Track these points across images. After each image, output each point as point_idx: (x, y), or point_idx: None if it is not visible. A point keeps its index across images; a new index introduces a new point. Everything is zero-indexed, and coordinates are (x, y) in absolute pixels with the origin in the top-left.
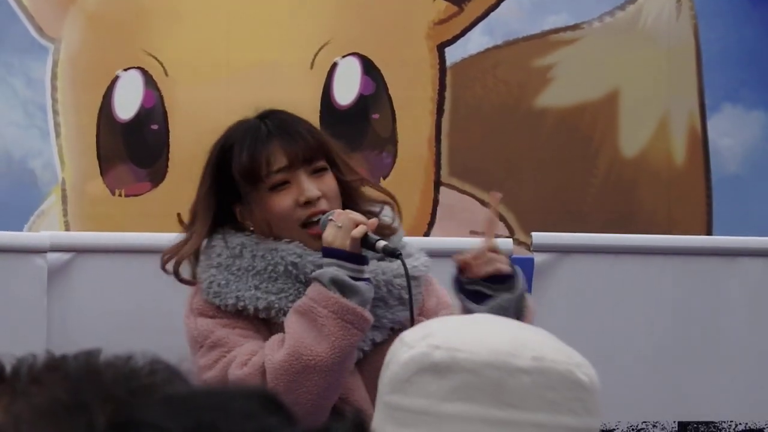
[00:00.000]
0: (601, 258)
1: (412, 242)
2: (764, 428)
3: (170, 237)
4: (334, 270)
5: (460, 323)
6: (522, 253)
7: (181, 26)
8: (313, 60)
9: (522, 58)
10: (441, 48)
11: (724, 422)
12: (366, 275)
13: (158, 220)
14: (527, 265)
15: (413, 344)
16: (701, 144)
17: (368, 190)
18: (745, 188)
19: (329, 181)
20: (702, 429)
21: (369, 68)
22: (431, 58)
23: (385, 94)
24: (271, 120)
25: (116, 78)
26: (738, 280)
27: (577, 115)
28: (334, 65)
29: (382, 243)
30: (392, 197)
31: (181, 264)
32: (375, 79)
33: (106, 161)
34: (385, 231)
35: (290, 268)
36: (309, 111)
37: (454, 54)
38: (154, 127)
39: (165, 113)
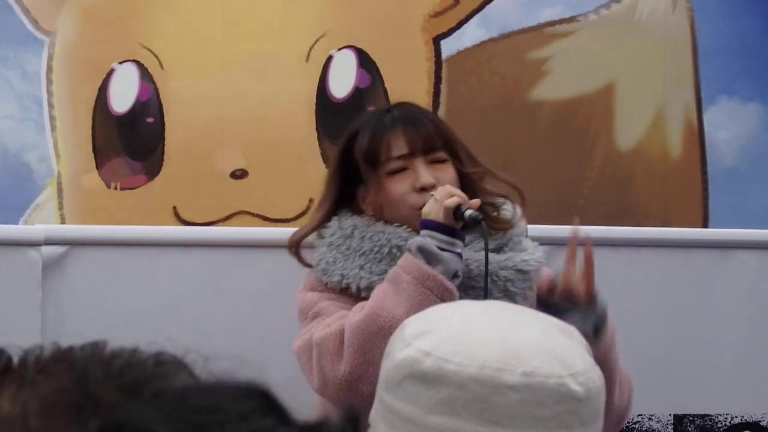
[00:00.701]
0: (596, 250)
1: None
2: (760, 421)
3: (165, 230)
4: (422, 239)
5: (458, 320)
6: None
7: (177, 19)
8: (309, 53)
9: (518, 50)
10: (436, 41)
11: (720, 415)
12: (458, 249)
13: (154, 213)
14: None
15: (409, 341)
16: (697, 137)
17: (494, 185)
18: (741, 181)
19: (447, 171)
20: (698, 422)
21: (364, 61)
22: (427, 51)
23: (381, 86)
24: (397, 110)
25: (111, 71)
26: (734, 273)
27: (573, 108)
28: (330, 58)
29: (469, 212)
30: (517, 189)
31: (301, 244)
32: (370, 72)
33: (101, 154)
34: (501, 226)
35: (395, 250)
36: (304, 104)
37: (449, 47)
38: (150, 120)
39: (160, 106)
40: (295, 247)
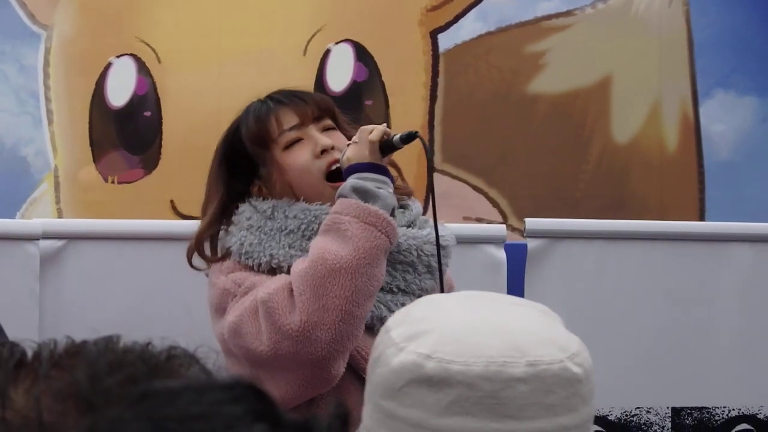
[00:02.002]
0: (593, 244)
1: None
2: (757, 414)
3: (163, 223)
4: (354, 180)
5: (447, 318)
6: (515, 239)
7: (174, 13)
8: (306, 46)
9: (515, 44)
10: (434, 34)
11: (717, 408)
12: (390, 189)
13: (151, 206)
14: (520, 250)
15: (401, 344)
16: (693, 130)
17: None
18: (737, 174)
19: (340, 138)
20: (695, 414)
21: (362, 55)
22: (424, 45)
23: (378, 80)
24: (276, 94)
25: (109, 65)
26: (730, 266)
27: (570, 102)
28: (327, 52)
29: (396, 135)
30: (391, 162)
31: (200, 248)
32: (368, 66)
33: (98, 148)
34: (405, 194)
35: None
36: None
37: (447, 40)
38: (147, 113)
39: (158, 100)
40: (199, 247)
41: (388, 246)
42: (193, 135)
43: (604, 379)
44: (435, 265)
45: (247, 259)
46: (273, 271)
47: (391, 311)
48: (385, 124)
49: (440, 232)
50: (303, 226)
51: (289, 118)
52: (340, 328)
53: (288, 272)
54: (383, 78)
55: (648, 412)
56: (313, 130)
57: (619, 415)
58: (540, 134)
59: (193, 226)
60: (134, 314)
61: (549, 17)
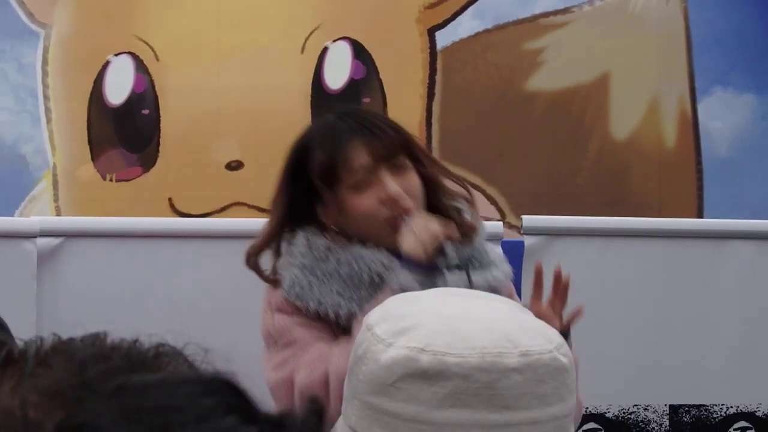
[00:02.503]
0: (591, 241)
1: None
2: (755, 411)
3: (161, 221)
4: (404, 278)
5: (434, 313)
6: (513, 236)
7: (172, 11)
8: (304, 44)
9: (512, 41)
10: (431, 32)
11: (715, 405)
12: (439, 284)
13: (150, 204)
14: (517, 248)
15: (389, 340)
16: (692, 127)
17: (449, 183)
18: (736, 171)
19: (412, 178)
20: (693, 412)
21: (359, 52)
22: (422, 42)
23: (376, 78)
24: (350, 117)
25: (107, 63)
26: (728, 263)
27: (568, 99)
28: (325, 49)
29: (453, 261)
30: (467, 189)
31: (256, 260)
32: (365, 63)
33: (97, 146)
34: (469, 233)
35: (376, 278)
36: (300, 95)
37: (444, 38)
38: (145, 111)
39: (156, 98)
40: (253, 260)
41: None
42: (191, 133)
43: (602, 377)
44: None
45: (297, 299)
46: (319, 317)
47: None
48: (451, 231)
49: (492, 272)
50: (354, 275)
51: (361, 157)
52: None
53: (335, 320)
54: (381, 75)
55: (646, 409)
56: (384, 173)
57: (616, 413)
58: (538, 131)
59: (189, 223)
60: (131, 311)
61: (546, 14)
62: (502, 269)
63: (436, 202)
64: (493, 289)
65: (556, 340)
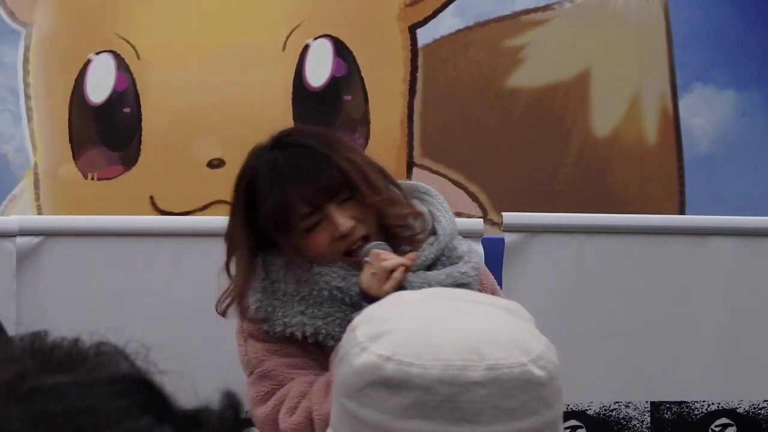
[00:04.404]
0: (571, 238)
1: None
2: (736, 408)
3: (141, 219)
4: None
5: (409, 318)
6: (493, 233)
7: (153, 9)
8: (285, 42)
9: (493, 38)
10: (412, 29)
11: (696, 402)
12: None
13: (131, 202)
14: (498, 245)
15: (364, 344)
16: (673, 124)
17: (398, 197)
18: (717, 167)
19: (358, 207)
20: (674, 409)
21: (341, 50)
22: (403, 40)
23: (357, 75)
24: (283, 153)
25: (88, 61)
26: (710, 260)
27: (549, 96)
28: (306, 47)
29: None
30: (417, 214)
31: (244, 308)
32: (347, 61)
33: (78, 145)
34: (414, 243)
35: (335, 292)
36: (281, 93)
37: (425, 35)
38: (127, 110)
39: (137, 96)
40: (224, 313)
41: None
42: (173, 131)
43: (583, 374)
44: None
45: (264, 324)
46: (287, 338)
47: None
48: (403, 269)
49: (461, 268)
50: (315, 293)
51: (304, 205)
52: None
53: (302, 339)
54: (362, 73)
55: (627, 406)
56: (332, 210)
57: (598, 410)
58: (519, 128)
59: (172, 222)
60: (112, 310)
61: (527, 12)
62: (472, 263)
63: (387, 223)
64: (461, 285)
65: (535, 352)
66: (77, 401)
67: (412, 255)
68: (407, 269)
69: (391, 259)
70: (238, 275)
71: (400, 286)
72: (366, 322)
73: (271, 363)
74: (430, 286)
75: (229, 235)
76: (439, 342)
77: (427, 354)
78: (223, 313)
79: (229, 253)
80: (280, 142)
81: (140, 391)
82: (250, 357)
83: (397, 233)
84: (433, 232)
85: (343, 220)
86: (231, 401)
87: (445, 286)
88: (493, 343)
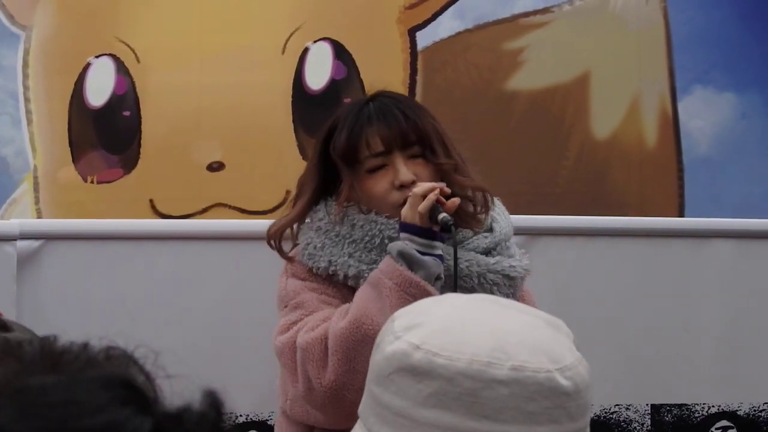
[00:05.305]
0: (572, 241)
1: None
2: (736, 410)
3: (141, 223)
4: (402, 243)
5: (447, 313)
6: None
7: (153, 12)
8: (285, 45)
9: (493, 41)
10: (412, 32)
11: (697, 405)
12: (437, 251)
13: (131, 206)
14: None
15: (399, 333)
16: (672, 126)
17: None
18: (717, 170)
19: (426, 166)
20: (675, 411)
21: (340, 53)
22: (402, 42)
23: (357, 78)
24: (374, 103)
25: (88, 65)
26: (709, 262)
27: (548, 98)
28: (306, 50)
29: (441, 215)
30: (482, 188)
31: (279, 238)
32: (346, 64)
33: (78, 148)
34: (473, 222)
35: (386, 241)
36: (281, 96)
37: (424, 38)
38: (126, 113)
39: (137, 99)
40: (275, 238)
41: None
42: (173, 134)
43: None
44: (498, 294)
45: (309, 259)
46: (330, 276)
47: None
48: (437, 191)
49: (512, 262)
50: (367, 238)
51: (376, 143)
52: None
53: (343, 280)
54: (362, 76)
55: (627, 409)
56: (398, 159)
57: (598, 413)
58: (519, 131)
59: (170, 224)
60: (112, 314)
61: (526, 14)
62: (522, 263)
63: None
64: (507, 277)
65: (563, 362)
66: (61, 395)
67: (454, 200)
68: (441, 192)
69: (423, 186)
70: (298, 207)
71: (435, 219)
72: (406, 313)
73: (307, 296)
74: (479, 266)
75: (302, 180)
76: (469, 337)
77: (454, 346)
78: (273, 240)
79: (297, 197)
80: (374, 96)
81: (122, 388)
82: (287, 291)
83: (460, 205)
84: (490, 230)
85: (406, 170)
86: (213, 401)
87: (492, 271)
88: (523, 345)
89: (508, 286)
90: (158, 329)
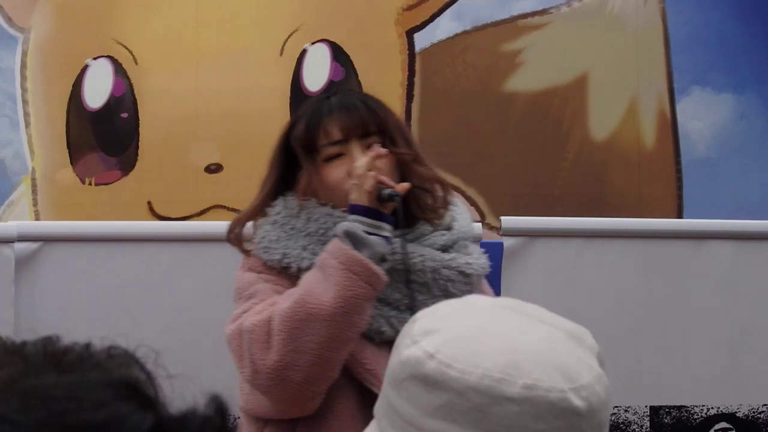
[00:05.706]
0: (570, 242)
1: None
2: (736, 412)
3: (139, 225)
4: (348, 223)
5: (465, 321)
6: (492, 237)
7: (151, 15)
8: (283, 47)
9: (491, 43)
10: (410, 34)
11: (696, 406)
12: (385, 233)
13: (129, 208)
14: (496, 249)
15: (416, 337)
16: (670, 127)
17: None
18: (715, 171)
19: (384, 158)
20: (674, 413)
21: (338, 54)
22: (400, 44)
23: (355, 80)
24: (335, 97)
25: (86, 67)
26: (708, 264)
27: (547, 100)
28: (304, 52)
29: (386, 191)
30: (441, 180)
31: (238, 231)
32: (344, 65)
33: (76, 150)
34: (428, 212)
35: None
36: (279, 97)
37: (423, 39)
38: (124, 115)
39: (135, 101)
40: (234, 231)
41: (372, 294)
42: (170, 136)
43: None
44: (453, 290)
45: (264, 252)
46: (284, 269)
47: (393, 327)
48: (379, 159)
49: (469, 260)
50: (321, 231)
51: (335, 131)
52: (313, 371)
53: (297, 273)
54: (360, 78)
55: (626, 411)
56: (355, 148)
57: None
58: (517, 132)
59: (168, 226)
60: (110, 316)
61: (524, 16)
62: (479, 261)
63: (406, 182)
64: (463, 273)
65: (579, 381)
66: (64, 391)
67: (404, 184)
68: (381, 157)
69: (362, 159)
70: (256, 201)
71: (381, 197)
72: (427, 315)
73: (260, 287)
74: (433, 261)
75: (267, 169)
76: (484, 350)
77: (468, 358)
78: (232, 236)
79: (261, 187)
80: (337, 91)
81: (124, 385)
82: (242, 282)
83: (419, 197)
84: (449, 229)
85: (362, 157)
86: (217, 405)
87: (447, 267)
88: (538, 362)
89: (464, 282)
90: (157, 331)
